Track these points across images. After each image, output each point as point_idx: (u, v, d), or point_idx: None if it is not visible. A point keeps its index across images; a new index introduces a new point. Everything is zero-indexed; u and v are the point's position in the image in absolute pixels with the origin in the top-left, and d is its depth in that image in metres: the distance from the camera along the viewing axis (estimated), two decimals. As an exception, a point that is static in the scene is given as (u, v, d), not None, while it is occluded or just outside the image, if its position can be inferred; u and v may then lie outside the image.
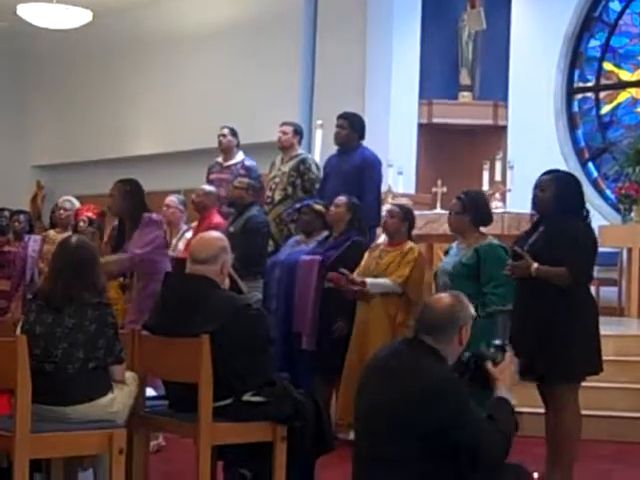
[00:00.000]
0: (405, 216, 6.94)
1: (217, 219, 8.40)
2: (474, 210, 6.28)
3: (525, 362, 5.30)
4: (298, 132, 8.89)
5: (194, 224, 8.71)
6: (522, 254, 5.28)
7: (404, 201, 10.30)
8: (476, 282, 6.16)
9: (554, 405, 5.36)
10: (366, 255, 7.00)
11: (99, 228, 8.95)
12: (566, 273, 5.20)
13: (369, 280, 6.74)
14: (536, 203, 5.42)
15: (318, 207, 7.55)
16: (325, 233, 7.48)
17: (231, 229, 7.89)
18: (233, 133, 9.35)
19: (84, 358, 4.43)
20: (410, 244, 6.86)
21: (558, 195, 5.32)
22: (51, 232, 9.31)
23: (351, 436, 6.73)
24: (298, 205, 7.81)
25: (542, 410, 5.58)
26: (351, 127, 8.18)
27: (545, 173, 5.47)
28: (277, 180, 8.65)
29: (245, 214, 7.97)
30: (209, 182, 9.23)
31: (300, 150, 8.89)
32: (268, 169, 8.97)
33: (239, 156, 9.29)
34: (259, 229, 7.87)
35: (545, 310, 5.25)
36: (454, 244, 6.46)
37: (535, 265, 5.23)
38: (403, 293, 6.72)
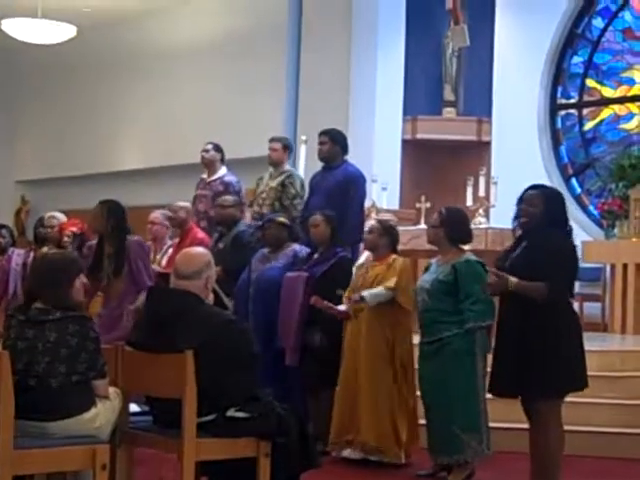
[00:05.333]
0: (384, 230, 6.94)
1: (201, 234, 8.41)
2: (450, 226, 6.31)
3: (506, 379, 5.33)
4: (287, 147, 8.92)
5: (177, 239, 8.70)
6: (497, 273, 5.28)
7: (388, 217, 10.32)
8: (454, 299, 6.19)
9: (537, 422, 5.36)
10: (354, 273, 7.01)
11: (82, 243, 8.88)
12: (544, 288, 5.20)
13: (365, 293, 6.72)
14: (524, 217, 5.40)
15: (281, 219, 7.57)
16: (295, 246, 7.48)
17: (220, 245, 7.93)
18: (217, 149, 9.34)
19: (66, 372, 4.41)
20: (394, 256, 6.87)
21: (547, 211, 5.33)
22: (45, 249, 9.22)
23: (345, 453, 6.76)
24: (261, 222, 7.83)
25: (519, 425, 5.60)
26: (332, 141, 8.20)
27: (531, 188, 5.47)
28: (264, 195, 8.66)
29: (233, 230, 8.05)
30: (194, 198, 9.24)
31: (288, 166, 8.91)
32: (254, 184, 8.97)
33: (221, 172, 9.28)
34: (249, 244, 7.89)
35: (527, 327, 5.25)
36: (433, 260, 6.48)
37: (514, 280, 5.22)
38: (394, 303, 6.73)
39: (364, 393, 6.72)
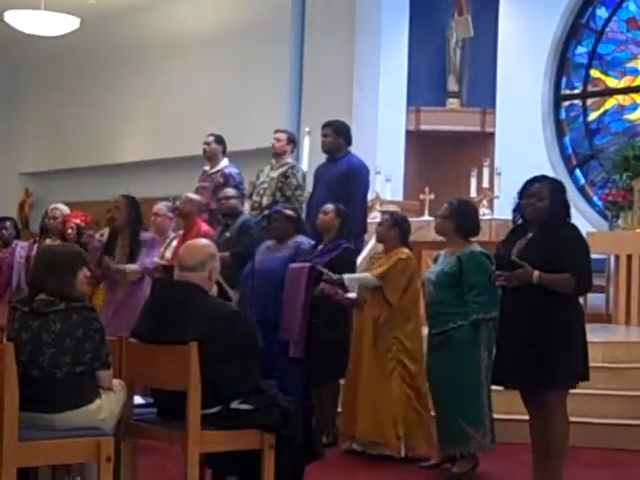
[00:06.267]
0: (394, 222, 6.92)
1: (205, 227, 8.41)
2: (460, 218, 6.29)
3: (512, 370, 5.32)
4: (292, 140, 8.94)
5: (180, 231, 8.70)
6: (521, 263, 5.23)
7: (392, 208, 10.33)
8: (459, 290, 6.17)
9: (543, 413, 5.35)
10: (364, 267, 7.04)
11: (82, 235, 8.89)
12: (571, 279, 5.17)
13: (346, 276, 6.75)
14: (533, 212, 5.36)
15: (288, 212, 7.55)
16: (298, 238, 7.47)
17: (227, 234, 7.94)
18: (218, 140, 9.32)
19: (71, 362, 4.41)
20: (400, 249, 6.85)
21: (554, 203, 5.31)
22: (48, 241, 9.25)
23: (353, 446, 6.77)
24: (267, 212, 7.82)
25: (523, 417, 5.58)
26: (336, 133, 8.20)
27: (533, 180, 5.43)
28: (265, 186, 8.67)
29: (239, 220, 8.09)
30: (196, 190, 9.24)
31: (290, 159, 8.91)
32: (255, 176, 8.98)
33: (222, 163, 9.28)
34: (254, 231, 7.90)
35: (533, 319, 5.23)
36: (442, 252, 6.46)
37: (537, 273, 5.17)
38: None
39: (363, 387, 6.73)
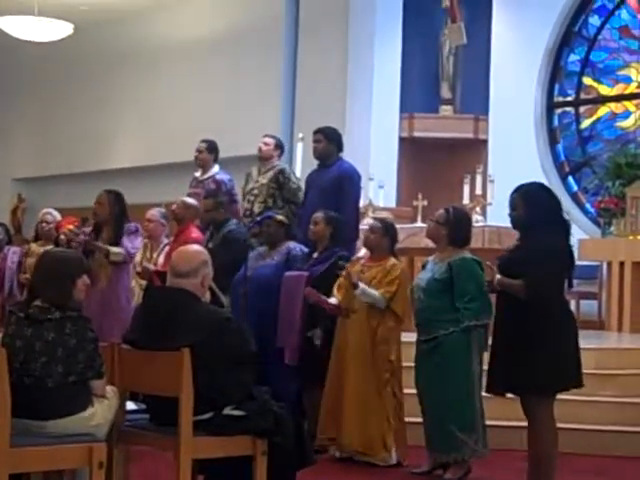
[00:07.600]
0: (386, 231, 6.91)
1: (195, 234, 8.37)
2: (454, 226, 6.30)
3: (498, 376, 5.36)
4: (279, 146, 8.92)
5: (172, 238, 8.67)
6: (488, 268, 5.36)
7: (385, 215, 10.32)
8: (450, 297, 6.18)
9: (529, 419, 5.39)
10: (347, 266, 6.98)
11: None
12: (521, 285, 5.22)
13: (362, 285, 6.66)
14: (511, 223, 5.47)
15: (280, 218, 7.57)
16: (289, 244, 7.47)
17: (210, 245, 7.86)
18: (209, 149, 9.28)
19: (63, 372, 4.39)
20: (392, 260, 6.83)
21: (528, 211, 5.33)
22: (33, 245, 9.27)
23: (331, 452, 6.77)
24: (259, 218, 7.81)
25: (515, 423, 5.61)
26: (327, 139, 8.19)
27: (514, 190, 5.47)
28: (256, 192, 8.64)
29: (223, 229, 7.97)
30: (188, 196, 9.22)
31: (277, 161, 8.87)
32: (243, 181, 8.97)
33: (213, 170, 9.26)
34: (239, 239, 7.84)
35: (520, 325, 5.26)
36: (430, 258, 6.47)
37: (497, 277, 5.29)
38: (386, 307, 6.70)
39: (349, 395, 6.70)
